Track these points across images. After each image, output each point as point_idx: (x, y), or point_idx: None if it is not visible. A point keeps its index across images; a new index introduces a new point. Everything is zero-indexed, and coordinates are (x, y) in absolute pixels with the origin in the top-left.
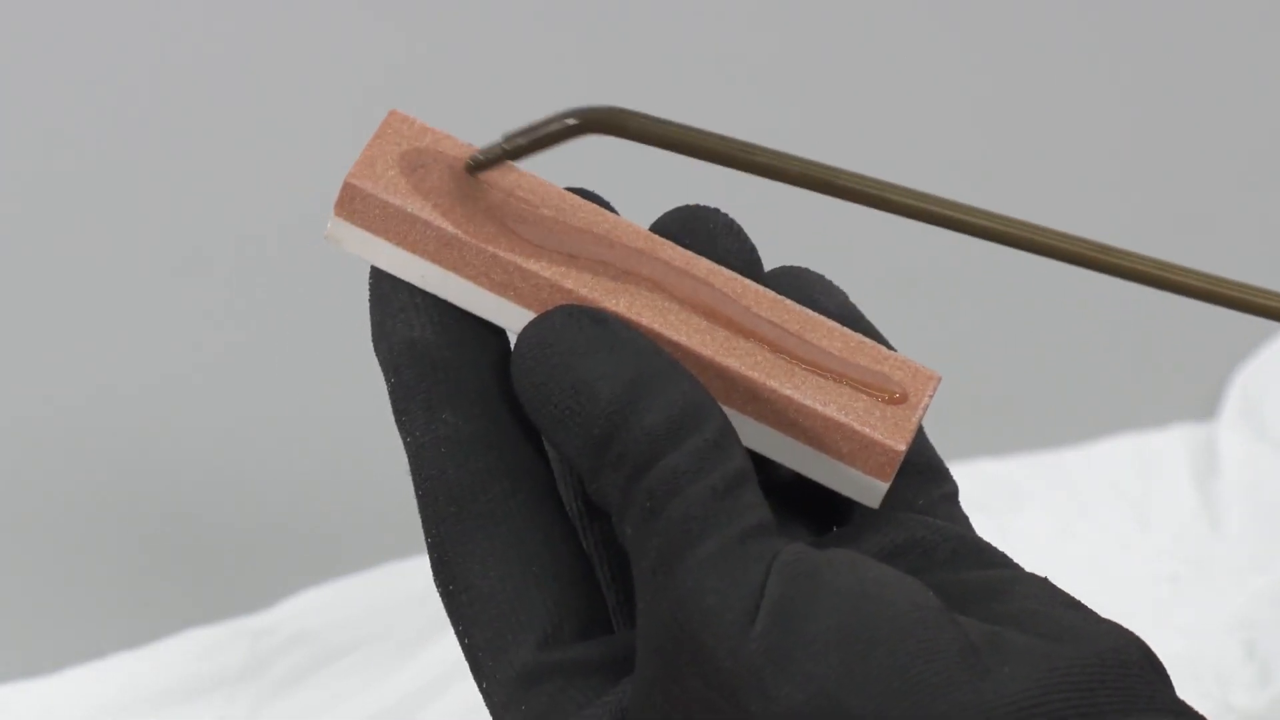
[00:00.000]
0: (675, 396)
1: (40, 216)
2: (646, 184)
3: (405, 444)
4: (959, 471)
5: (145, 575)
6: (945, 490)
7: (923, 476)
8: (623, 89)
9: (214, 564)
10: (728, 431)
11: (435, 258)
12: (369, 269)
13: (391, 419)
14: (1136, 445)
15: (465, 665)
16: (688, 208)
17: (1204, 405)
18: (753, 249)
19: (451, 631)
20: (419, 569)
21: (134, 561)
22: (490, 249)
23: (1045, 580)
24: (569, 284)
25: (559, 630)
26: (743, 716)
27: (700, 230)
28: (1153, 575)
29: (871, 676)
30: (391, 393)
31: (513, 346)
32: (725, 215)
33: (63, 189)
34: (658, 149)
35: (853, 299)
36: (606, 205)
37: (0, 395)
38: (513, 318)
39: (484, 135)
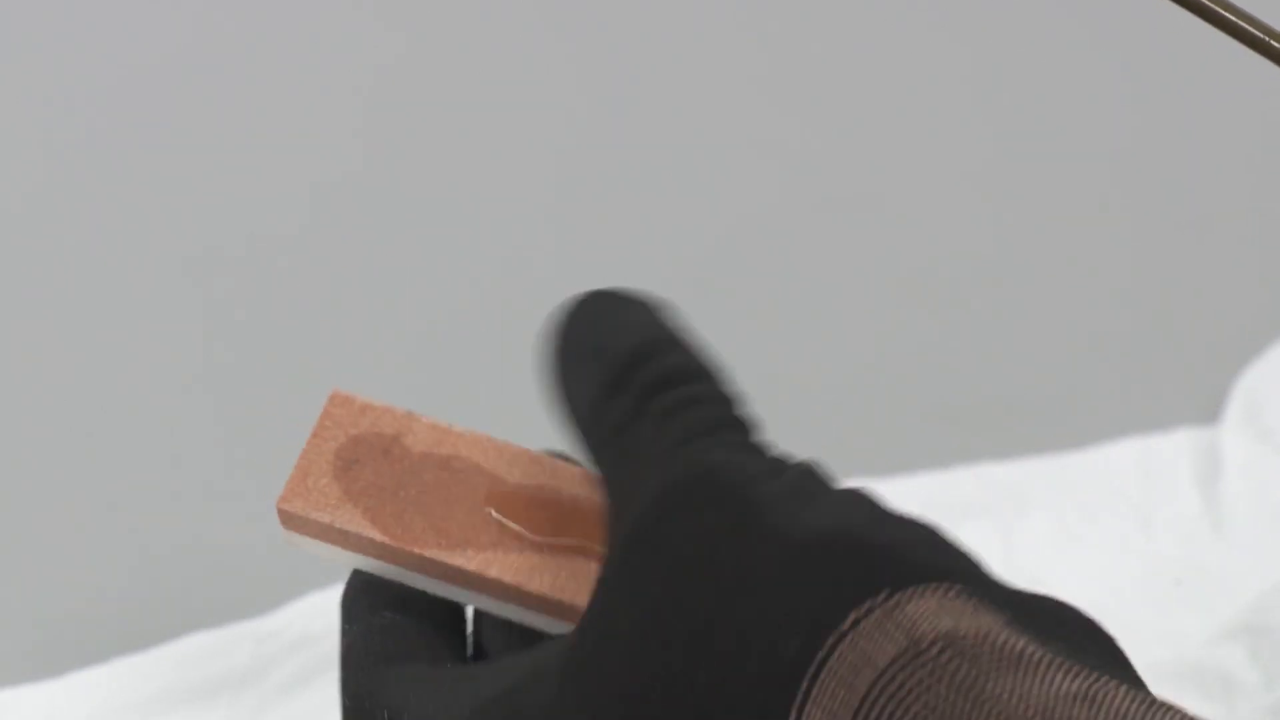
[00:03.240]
0: (696, 353)
1: (41, 226)
2: None
3: (345, 632)
4: (963, 475)
5: (148, 578)
6: None
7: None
8: (622, 89)
9: (217, 567)
10: (740, 392)
11: (376, 555)
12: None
13: None
14: (1140, 449)
15: None
16: None
17: (1207, 409)
18: None
19: None
20: None
21: (137, 564)
22: (417, 551)
23: None
24: (493, 573)
25: None
26: (767, 531)
27: None
28: (1156, 579)
29: (893, 519)
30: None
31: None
32: None
33: (60, 197)
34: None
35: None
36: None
37: (3, 393)
38: (454, 595)
39: (484, 131)
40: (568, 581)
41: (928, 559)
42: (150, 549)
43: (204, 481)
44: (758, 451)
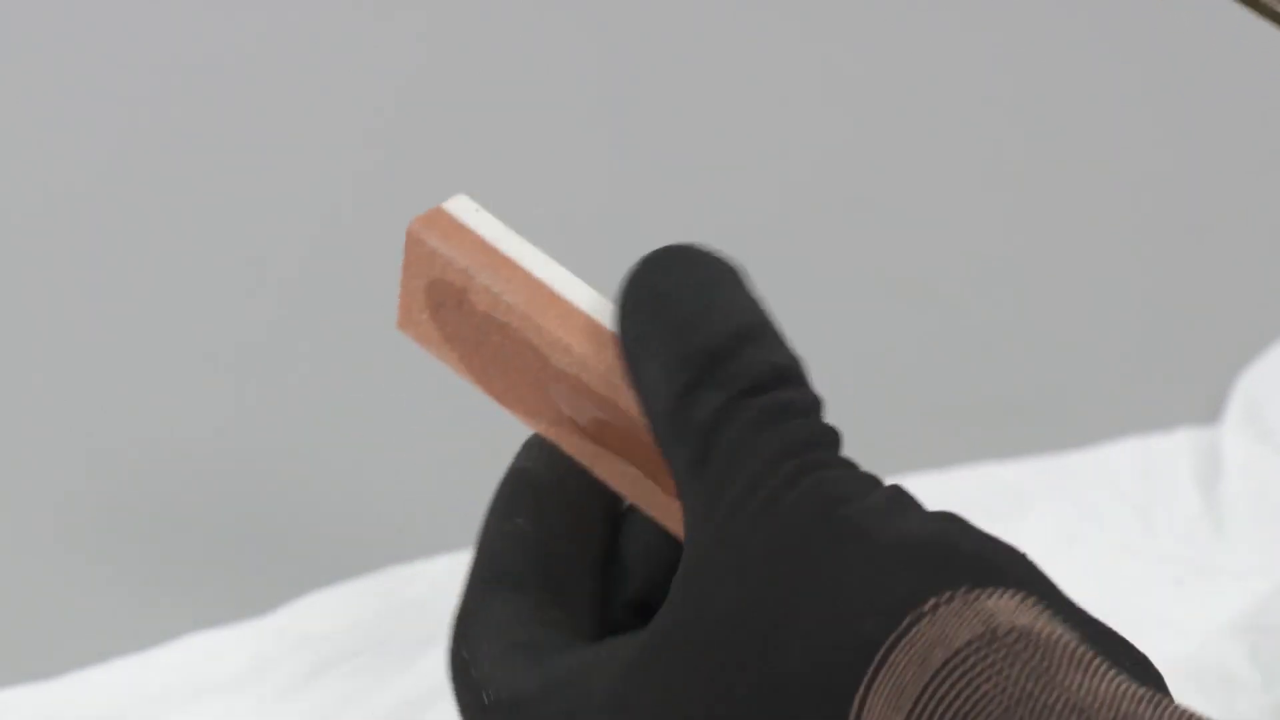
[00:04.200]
0: (786, 348)
1: (53, 225)
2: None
3: (480, 532)
4: (963, 475)
5: (150, 578)
6: None
7: None
8: (626, 90)
9: (219, 567)
10: (819, 395)
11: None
12: None
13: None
14: (1141, 449)
15: None
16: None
17: (1208, 409)
18: None
19: None
20: (424, 573)
21: (138, 564)
22: (506, 407)
23: None
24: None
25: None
26: (861, 533)
27: None
28: (1157, 579)
29: (985, 536)
30: (491, 503)
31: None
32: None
33: (71, 200)
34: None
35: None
36: None
37: (3, 394)
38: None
39: (487, 131)
40: (629, 484)
41: (1013, 571)
42: (152, 547)
43: (204, 481)
44: (852, 467)
